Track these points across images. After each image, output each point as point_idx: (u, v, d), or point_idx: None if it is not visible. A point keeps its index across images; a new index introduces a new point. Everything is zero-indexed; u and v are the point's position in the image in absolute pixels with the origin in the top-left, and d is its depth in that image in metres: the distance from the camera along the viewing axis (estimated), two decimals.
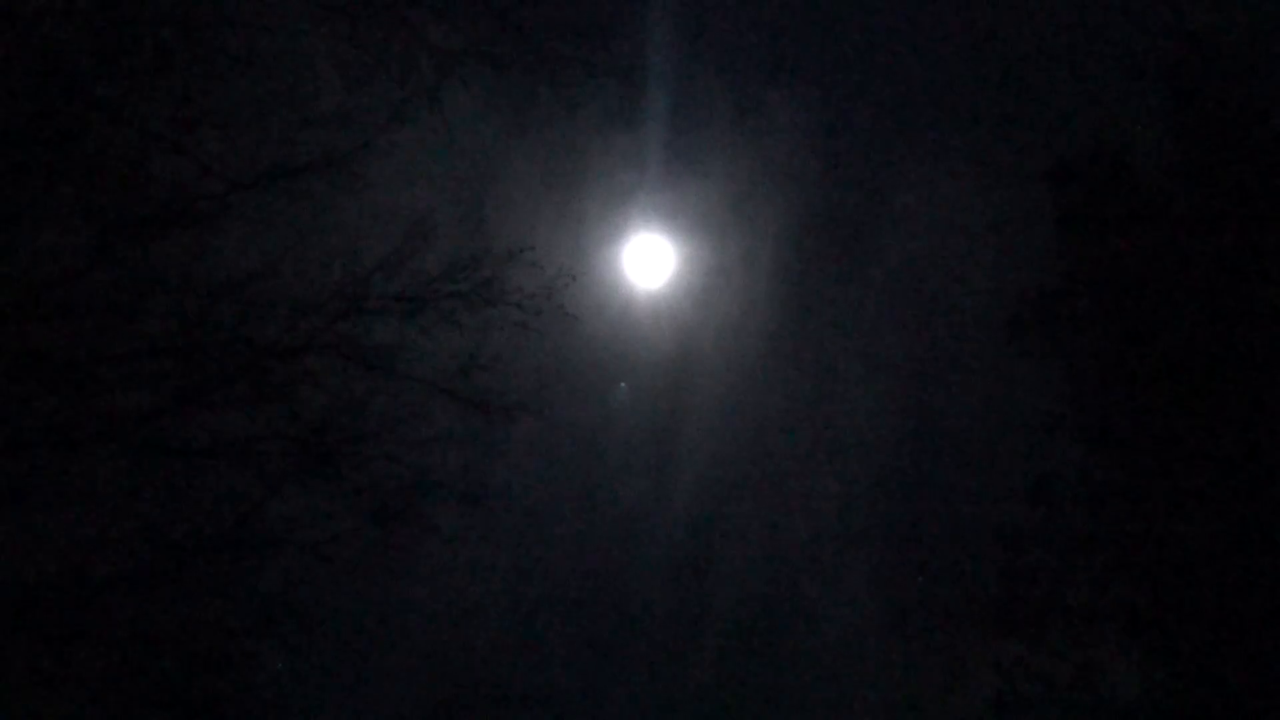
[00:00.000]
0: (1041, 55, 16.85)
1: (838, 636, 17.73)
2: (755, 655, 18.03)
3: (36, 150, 11.15)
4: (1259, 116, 15.08)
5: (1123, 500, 15.13)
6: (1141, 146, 16.02)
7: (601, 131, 16.19)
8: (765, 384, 18.62)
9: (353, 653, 14.55)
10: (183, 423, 12.92)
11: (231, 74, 12.04)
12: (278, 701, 13.96)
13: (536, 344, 14.15)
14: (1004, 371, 16.59)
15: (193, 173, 12.23)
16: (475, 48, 13.67)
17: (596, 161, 16.93)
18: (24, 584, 12.22)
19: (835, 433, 18.53)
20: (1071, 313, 15.84)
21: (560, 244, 15.58)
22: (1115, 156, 16.12)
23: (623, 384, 17.92)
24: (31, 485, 12.19)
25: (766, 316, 18.44)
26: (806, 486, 18.48)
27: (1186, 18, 15.58)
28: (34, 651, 12.28)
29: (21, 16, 10.66)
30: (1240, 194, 14.83)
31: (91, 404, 12.36)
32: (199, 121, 12.07)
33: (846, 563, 17.86)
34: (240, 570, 13.47)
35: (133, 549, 12.77)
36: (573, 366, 16.38)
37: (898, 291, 18.49)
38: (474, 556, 16.19)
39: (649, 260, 18.03)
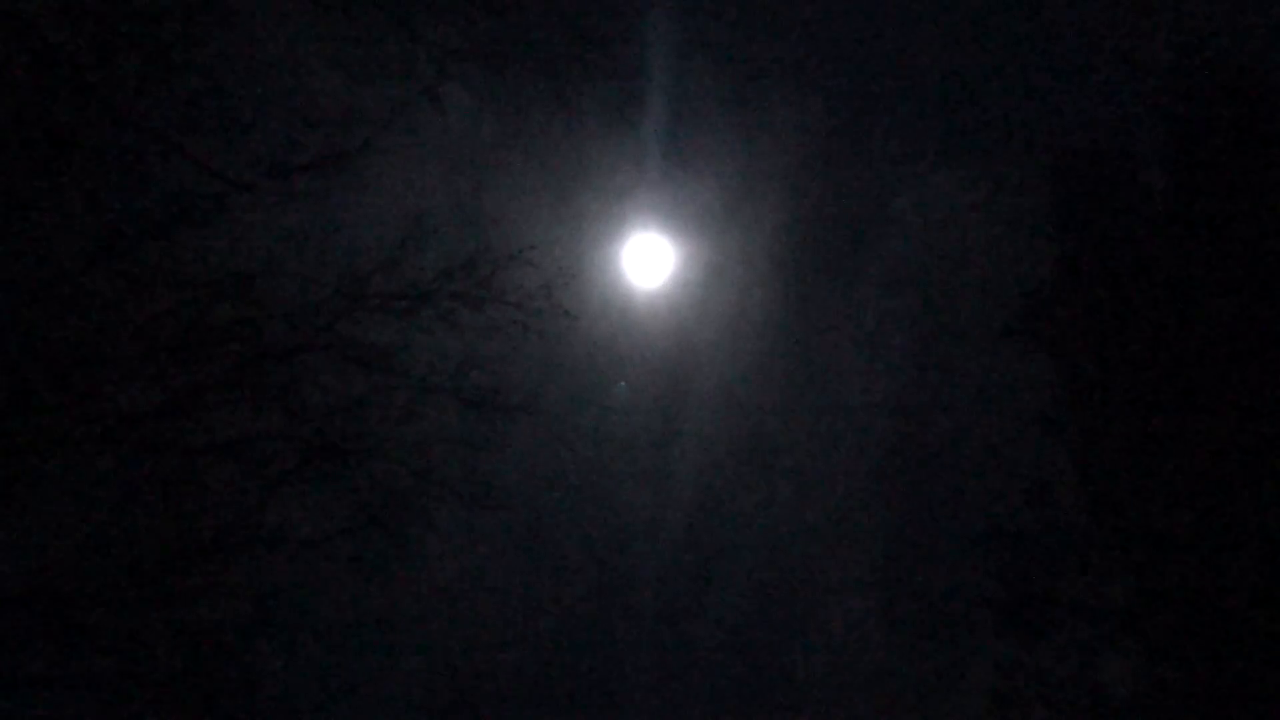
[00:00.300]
0: (1041, 55, 16.86)
1: (837, 635, 17.73)
2: (755, 654, 18.04)
3: (37, 150, 11.14)
4: (1259, 116, 15.09)
5: (1122, 500, 15.14)
6: (1141, 146, 16.03)
7: (600, 131, 16.15)
8: (764, 383, 18.62)
9: (352, 652, 14.56)
10: (183, 423, 12.91)
11: (231, 74, 12.02)
12: (278, 701, 13.94)
13: (535, 343, 14.14)
14: (1003, 370, 16.60)
15: (192, 173, 12.23)
16: (474, 48, 13.66)
17: (595, 161, 16.92)
18: (24, 584, 12.22)
19: (834, 432, 18.53)
20: (1071, 312, 15.86)
21: (559, 243, 15.55)
22: (1114, 156, 16.13)
23: (622, 383, 17.92)
24: (31, 485, 12.18)
25: (765, 316, 18.43)
26: (805, 485, 18.48)
27: (1186, 18, 15.60)
28: (34, 651, 12.28)
29: (21, 16, 10.65)
30: (1240, 193, 14.85)
31: (91, 404, 12.35)
32: (199, 121, 12.06)
33: (845, 562, 17.87)
34: (240, 570, 13.46)
35: (133, 549, 12.76)
36: (571, 366, 16.39)
37: (897, 290, 18.49)
38: (473, 555, 16.19)
39: (648, 259, 18.02)
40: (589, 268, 16.54)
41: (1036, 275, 16.25)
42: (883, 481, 17.91)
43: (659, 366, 18.24)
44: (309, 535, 13.61)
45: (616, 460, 18.13)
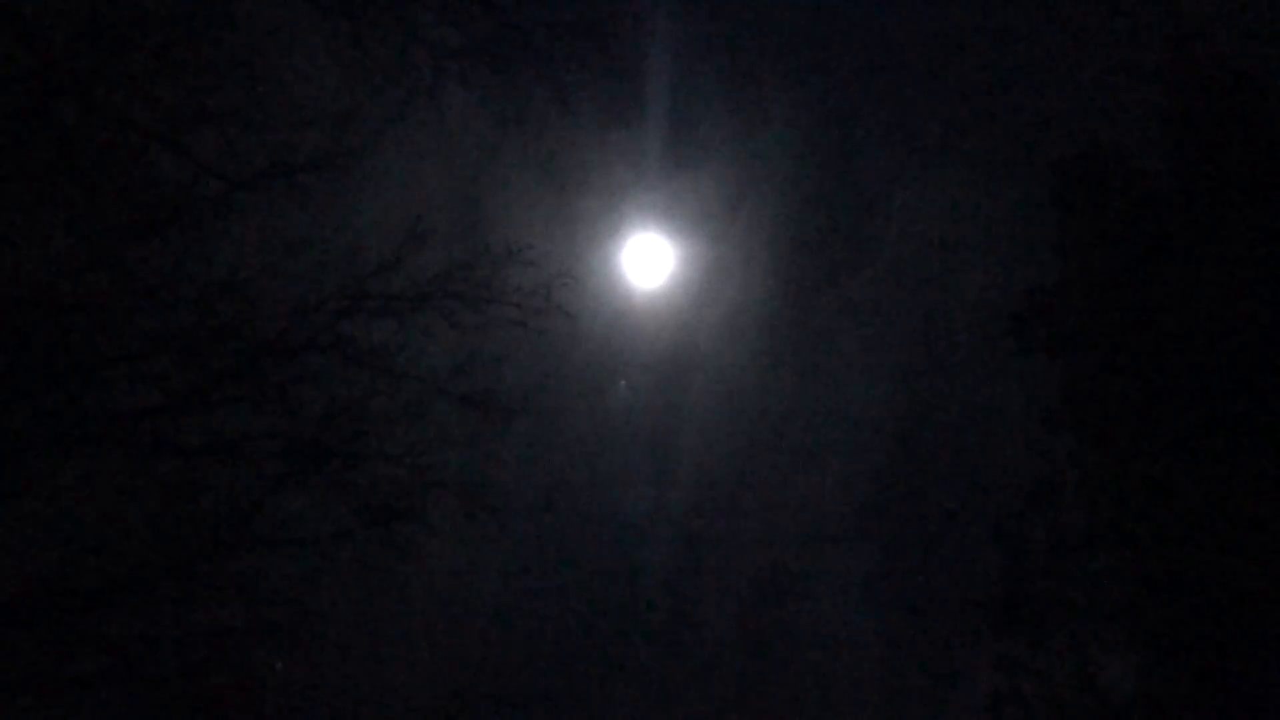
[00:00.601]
0: (1041, 53, 16.87)
1: (837, 635, 17.75)
2: (754, 654, 18.05)
3: (37, 150, 11.13)
4: (1258, 115, 15.09)
5: (1122, 499, 15.14)
6: (1140, 145, 16.04)
7: (599, 130, 16.16)
8: (763, 382, 18.65)
9: (352, 652, 14.55)
10: (182, 423, 12.91)
11: (231, 74, 12.01)
12: (278, 701, 13.94)
13: (535, 343, 14.14)
14: (1003, 370, 16.61)
15: (192, 173, 12.22)
16: (474, 47, 13.65)
17: (594, 161, 16.93)
18: (24, 584, 12.21)
19: (833, 431, 18.56)
20: (1070, 311, 15.86)
21: (558, 243, 15.57)
22: (1114, 154, 16.13)
23: (623, 382, 17.93)
24: (31, 487, 12.18)
25: (764, 315, 18.46)
26: (805, 485, 18.50)
27: (1185, 17, 15.61)
28: (34, 651, 12.27)
29: (21, 16, 10.64)
30: (1239, 192, 14.85)
31: (91, 404, 12.35)
32: (199, 121, 12.05)
33: (845, 561, 17.88)
34: (240, 570, 13.46)
35: (133, 549, 12.75)
36: (571, 366, 16.39)
37: (896, 290, 18.53)
38: (473, 555, 16.17)
39: (647, 259, 18.03)
40: (588, 267, 16.55)
41: (1037, 276, 16.26)
42: (883, 481, 17.94)
43: (658, 366, 18.26)
44: (308, 535, 13.58)
45: (616, 458, 18.15)
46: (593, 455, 17.89)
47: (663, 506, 18.30)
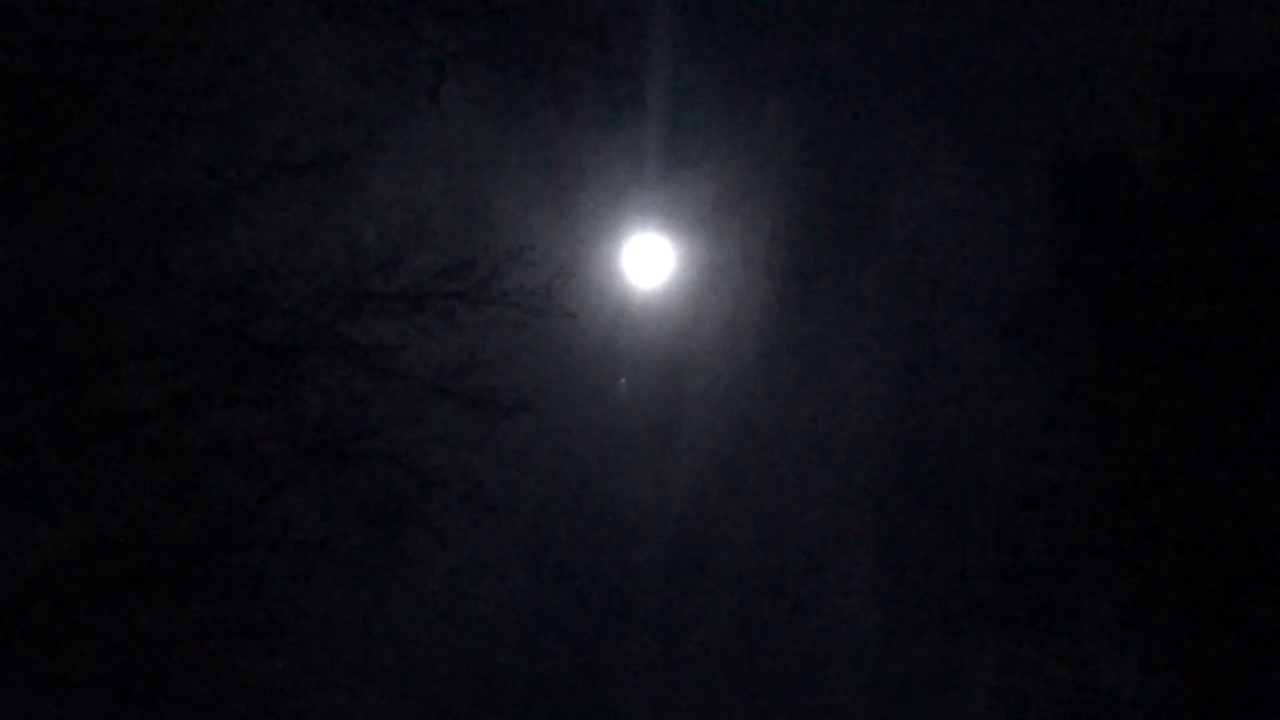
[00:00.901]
0: (1040, 52, 16.87)
1: (836, 634, 17.76)
2: (753, 653, 18.05)
3: (37, 150, 11.12)
4: (1258, 114, 15.09)
5: (1122, 499, 15.15)
6: (1140, 143, 16.04)
7: (599, 130, 16.18)
8: (762, 382, 18.65)
9: (353, 652, 14.56)
10: (182, 423, 12.90)
11: (231, 75, 12.01)
12: (278, 701, 13.94)
13: (535, 343, 14.16)
14: (1002, 369, 16.63)
15: (192, 173, 12.22)
16: (474, 47, 13.64)
17: (594, 161, 16.94)
18: (24, 584, 12.21)
19: (833, 430, 18.56)
20: (1070, 311, 15.87)
21: (558, 242, 15.59)
22: (1114, 153, 16.13)
23: (622, 381, 17.94)
24: (31, 485, 12.17)
25: (763, 315, 18.47)
26: (805, 484, 18.51)
27: (1186, 15, 15.62)
28: (34, 651, 12.27)
29: (21, 16, 10.64)
30: (1239, 191, 14.85)
31: (91, 404, 12.35)
32: (198, 122, 12.04)
33: (844, 561, 17.89)
34: (240, 570, 13.45)
35: (133, 549, 12.75)
36: (571, 365, 16.40)
37: (895, 289, 18.53)
38: (472, 555, 16.19)
39: (646, 259, 18.04)
40: (588, 267, 16.56)
41: (1036, 275, 16.27)
42: (882, 481, 17.94)
43: (658, 365, 18.27)
44: (309, 535, 13.58)
45: (615, 458, 18.16)
46: (592, 454, 17.91)
47: (662, 505, 18.31)
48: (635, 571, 18.16)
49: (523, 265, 13.95)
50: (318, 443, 13.38)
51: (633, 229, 17.68)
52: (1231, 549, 13.98)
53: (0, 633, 12.08)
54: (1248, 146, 14.93)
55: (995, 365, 16.76)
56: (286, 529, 13.51)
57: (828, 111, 18.40)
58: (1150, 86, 15.81)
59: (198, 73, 11.79)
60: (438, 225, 13.82)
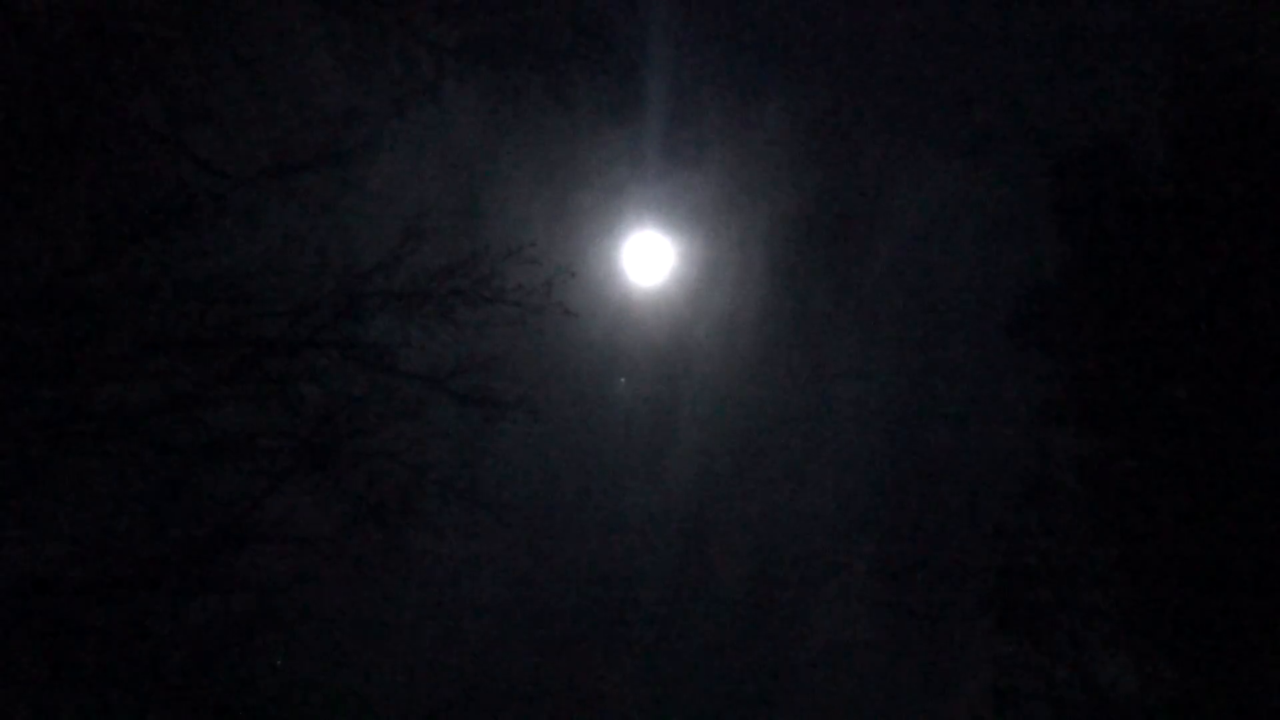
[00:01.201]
0: (1040, 51, 16.86)
1: (836, 633, 17.78)
2: (752, 652, 18.08)
3: (36, 150, 11.12)
4: (1259, 115, 15.08)
5: (1122, 497, 15.15)
6: (1140, 142, 16.02)
7: (599, 128, 16.14)
8: (762, 380, 18.65)
9: (352, 650, 14.58)
10: (182, 421, 12.92)
11: (231, 73, 12.00)
12: (278, 699, 13.97)
13: (534, 341, 14.16)
14: (1002, 367, 16.62)
15: (192, 171, 12.22)
16: (474, 44, 13.64)
17: (594, 158, 16.92)
18: (24, 583, 12.22)
19: (832, 429, 18.57)
20: (1071, 310, 15.85)
21: (558, 240, 15.56)
22: (1114, 152, 16.11)
23: (622, 379, 17.94)
24: (31, 484, 12.18)
25: (763, 313, 18.46)
26: (803, 483, 18.52)
27: (1186, 14, 15.59)
28: (34, 651, 12.28)
29: (21, 16, 10.62)
30: (1239, 190, 14.84)
31: (91, 402, 12.36)
32: (198, 120, 12.04)
33: (844, 559, 17.90)
34: (240, 568, 13.48)
35: (133, 548, 12.77)
36: (571, 363, 16.39)
37: (895, 287, 18.53)
38: (472, 553, 16.17)
39: (646, 257, 18.03)
40: (587, 264, 16.55)
41: (1036, 273, 16.25)
42: (882, 479, 17.96)
43: (657, 363, 18.27)
44: (308, 533, 13.62)
45: (614, 456, 18.16)
46: (591, 452, 17.91)
47: (661, 503, 18.32)
48: (634, 569, 18.18)
49: (522, 263, 13.97)
50: (317, 440, 13.42)
51: (632, 227, 17.68)
52: (1232, 548, 13.99)
53: (1, 632, 12.09)
54: (1248, 146, 14.92)
55: (995, 364, 16.77)
56: (286, 526, 13.54)
57: (827, 110, 18.39)
58: (1150, 86, 15.79)
59: (198, 72, 11.79)
60: (437, 223, 13.84)
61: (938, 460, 17.49)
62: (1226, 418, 14.29)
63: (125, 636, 12.81)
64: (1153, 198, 15.59)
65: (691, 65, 17.52)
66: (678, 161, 17.84)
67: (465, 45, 13.57)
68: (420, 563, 14.68)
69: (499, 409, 14.13)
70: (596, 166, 16.98)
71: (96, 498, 12.65)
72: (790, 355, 18.57)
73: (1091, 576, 15.37)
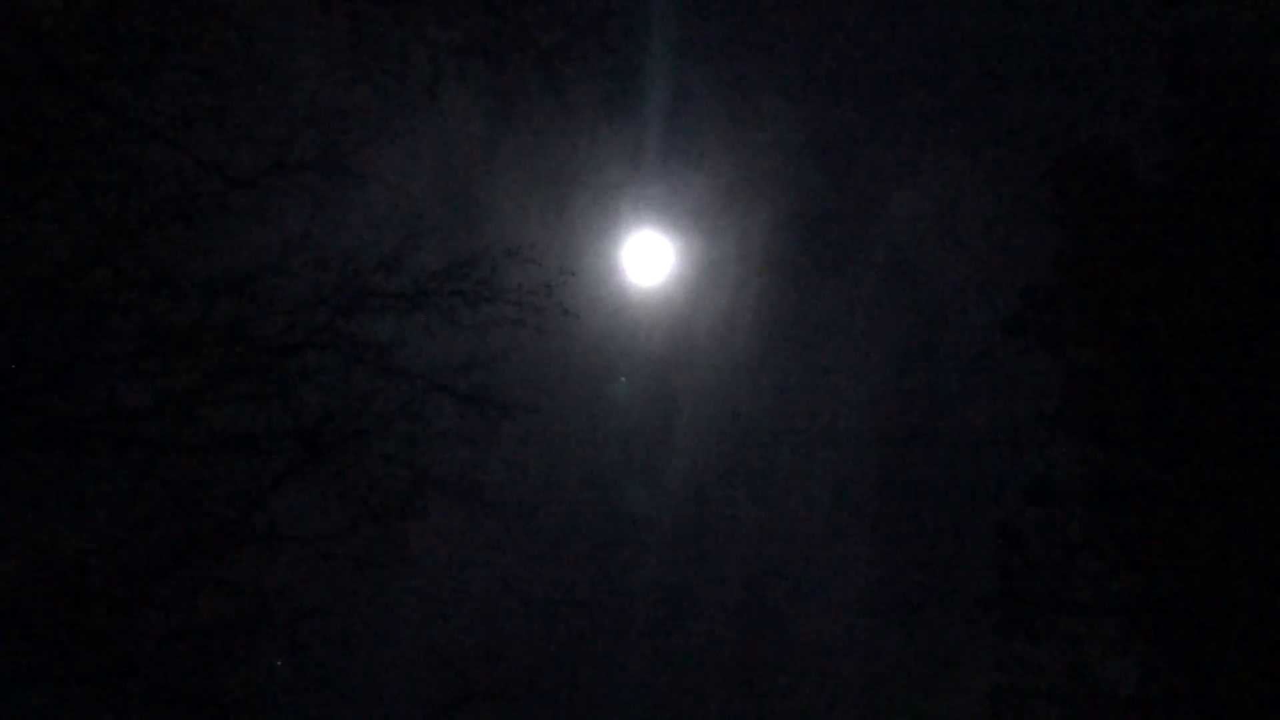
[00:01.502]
0: (1040, 52, 16.87)
1: (835, 631, 17.77)
2: (752, 650, 18.06)
3: (36, 150, 11.11)
4: (1258, 114, 15.10)
5: (1122, 497, 15.17)
6: (1140, 143, 16.05)
7: (598, 128, 16.17)
8: (761, 379, 18.64)
9: (352, 649, 14.56)
10: (182, 421, 12.91)
11: (231, 73, 11.99)
12: (278, 699, 13.95)
13: (534, 341, 14.17)
14: (1003, 368, 16.61)
15: (192, 171, 12.21)
16: (473, 44, 13.64)
17: (593, 159, 16.92)
18: (24, 583, 12.21)
19: (832, 428, 18.55)
20: (1070, 309, 15.87)
21: (557, 241, 15.56)
22: (1113, 153, 16.13)
23: (621, 378, 17.93)
24: (31, 485, 12.17)
25: (762, 312, 18.45)
26: (803, 481, 18.51)
27: (1186, 16, 15.61)
28: (34, 651, 12.27)
29: (21, 16, 10.62)
30: (1239, 190, 14.86)
31: (92, 402, 12.36)
32: (198, 120, 12.03)
33: (844, 558, 17.90)
34: (240, 567, 13.47)
35: (133, 548, 12.76)
36: (570, 363, 16.39)
37: (894, 287, 18.53)
38: (471, 552, 16.19)
39: (645, 257, 18.02)
40: (587, 265, 16.55)
41: (1036, 274, 16.27)
42: (882, 478, 17.95)
43: (656, 362, 18.26)
44: (308, 533, 13.62)
45: (614, 454, 18.16)
46: (591, 451, 17.90)
47: (660, 502, 18.31)
48: (633, 567, 18.16)
49: (522, 264, 13.98)
50: (317, 439, 13.41)
51: (631, 227, 17.67)
52: (1232, 547, 14.01)
53: (1, 632, 12.08)
54: (1248, 146, 14.95)
55: (994, 363, 16.75)
56: (286, 526, 13.54)
57: (827, 109, 18.39)
58: (1150, 85, 15.82)
59: (198, 72, 11.78)
60: (437, 223, 13.87)
61: (938, 458, 17.48)
62: (1226, 417, 14.31)
63: (125, 637, 12.79)
64: (1152, 197, 15.61)
65: (691, 65, 17.53)
66: (677, 161, 17.84)
67: (465, 45, 13.56)
68: (419, 562, 14.67)
69: (499, 408, 14.13)
70: (596, 166, 16.98)
71: (97, 498, 12.63)
72: (789, 354, 18.58)
73: (1091, 575, 15.38)
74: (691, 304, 18.27)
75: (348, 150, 13.06)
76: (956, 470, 17.10)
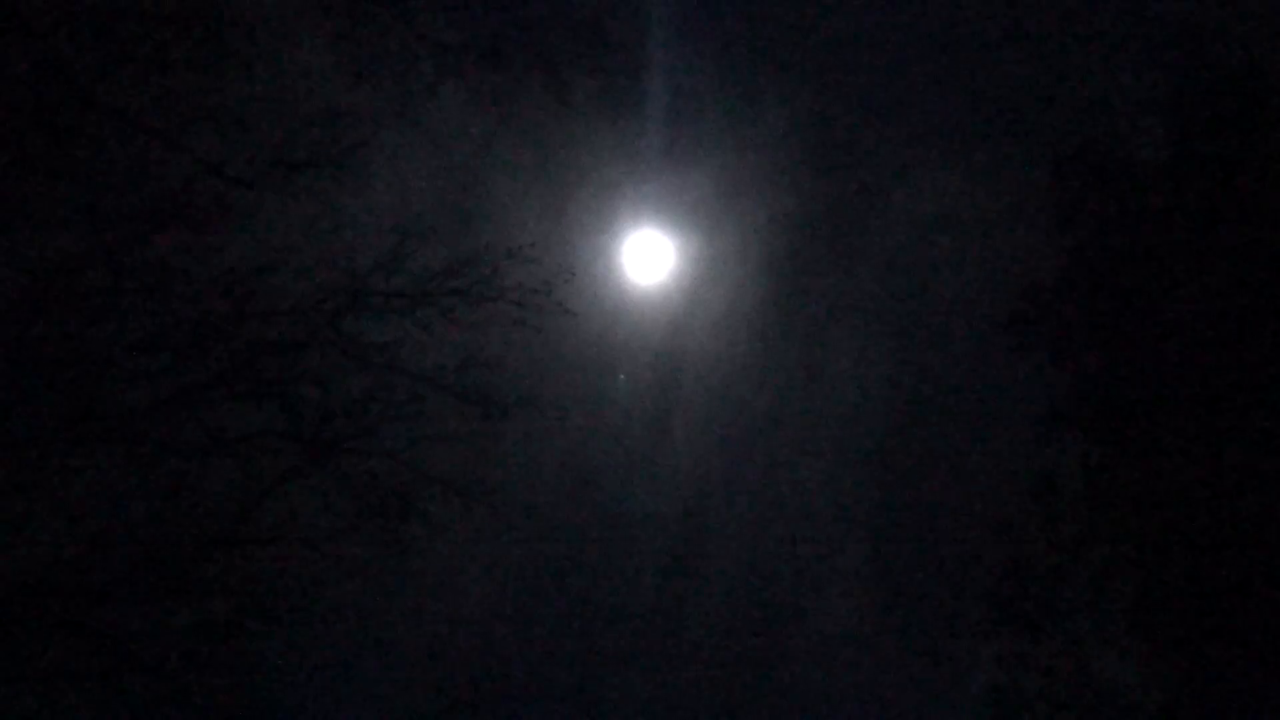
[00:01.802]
0: (1040, 51, 16.85)
1: (835, 630, 17.76)
2: (751, 648, 18.06)
3: (36, 150, 11.12)
4: (1259, 114, 15.10)
5: (1124, 496, 15.17)
6: (1140, 141, 16.04)
7: (598, 127, 16.15)
8: (761, 378, 18.62)
9: (352, 650, 14.58)
10: (182, 420, 12.93)
11: (231, 72, 12.00)
12: (278, 699, 13.97)
13: (535, 340, 14.20)
14: (1003, 367, 16.59)
15: (192, 171, 12.23)
16: (474, 44, 13.68)
17: (593, 157, 16.89)
18: (24, 583, 12.22)
19: (831, 427, 18.52)
20: (1071, 310, 15.85)
21: (557, 240, 15.57)
22: (1114, 151, 16.12)
23: (621, 377, 17.92)
24: (31, 484, 12.18)
25: (762, 312, 18.42)
26: (802, 480, 18.49)
27: (1186, 14, 15.61)
28: (34, 651, 12.29)
29: (21, 16, 10.62)
30: (1239, 190, 14.86)
31: (91, 402, 12.37)
32: (198, 120, 12.04)
33: (843, 557, 17.89)
34: (240, 568, 13.48)
35: (133, 547, 12.77)
36: (570, 362, 16.37)
37: (894, 286, 18.49)
38: (471, 552, 16.18)
39: (645, 256, 18.00)
40: (587, 264, 16.54)
41: (1036, 273, 16.25)
42: (881, 478, 17.92)
43: (656, 360, 18.24)
44: (308, 532, 13.63)
45: (614, 454, 18.14)
46: (591, 450, 17.88)
47: (660, 500, 18.30)
48: (633, 566, 18.15)
49: (522, 263, 14.02)
50: (317, 440, 13.44)
51: (632, 226, 17.64)
52: (1232, 547, 14.02)
53: (1, 632, 12.09)
54: (1248, 146, 14.94)
55: (995, 361, 16.73)
56: (286, 527, 13.55)
57: (827, 108, 18.35)
58: (1151, 84, 15.81)
59: (198, 71, 11.79)
60: (437, 223, 13.88)
61: (937, 459, 17.46)
62: (1227, 417, 14.32)
63: (125, 636, 12.80)
64: (1153, 198, 15.60)
65: (690, 65, 17.51)
66: (677, 160, 17.82)
67: (466, 44, 13.59)
68: (420, 561, 14.68)
69: (499, 407, 14.17)
70: (596, 165, 16.95)
71: (96, 498, 12.64)
72: (789, 353, 18.54)
73: (1092, 574, 15.38)
74: (692, 302, 18.25)
75: (348, 150, 13.08)
76: (956, 470, 17.09)
